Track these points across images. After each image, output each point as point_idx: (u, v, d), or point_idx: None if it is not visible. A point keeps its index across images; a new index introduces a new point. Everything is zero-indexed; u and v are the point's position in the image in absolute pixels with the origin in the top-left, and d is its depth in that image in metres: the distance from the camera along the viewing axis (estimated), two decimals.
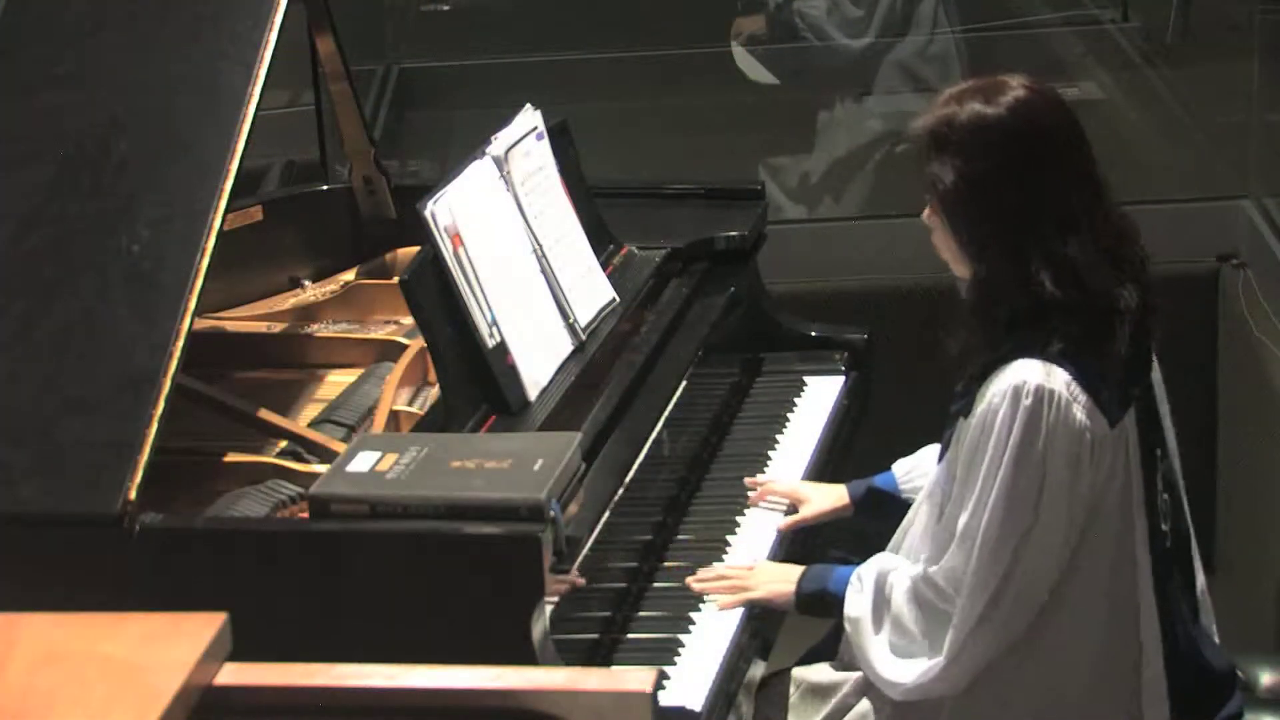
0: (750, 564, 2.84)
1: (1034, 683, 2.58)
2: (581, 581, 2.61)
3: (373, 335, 3.22)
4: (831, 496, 2.98)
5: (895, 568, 2.63)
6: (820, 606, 2.71)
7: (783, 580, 2.75)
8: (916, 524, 2.70)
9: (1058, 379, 2.46)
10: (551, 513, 2.30)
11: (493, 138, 2.97)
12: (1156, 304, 2.56)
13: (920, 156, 2.54)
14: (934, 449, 2.92)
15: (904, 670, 2.57)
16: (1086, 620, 2.57)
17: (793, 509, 3.00)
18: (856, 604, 2.63)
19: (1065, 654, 2.57)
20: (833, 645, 2.82)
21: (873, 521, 2.93)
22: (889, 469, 3.01)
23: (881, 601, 2.61)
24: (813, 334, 3.56)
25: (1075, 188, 2.50)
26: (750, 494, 3.04)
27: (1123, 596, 2.59)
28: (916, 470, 2.94)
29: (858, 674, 2.71)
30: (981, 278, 2.53)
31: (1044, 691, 2.59)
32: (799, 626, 2.95)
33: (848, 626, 2.65)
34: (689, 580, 2.80)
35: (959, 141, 2.49)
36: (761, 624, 2.75)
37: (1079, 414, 2.46)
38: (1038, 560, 2.49)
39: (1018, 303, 2.50)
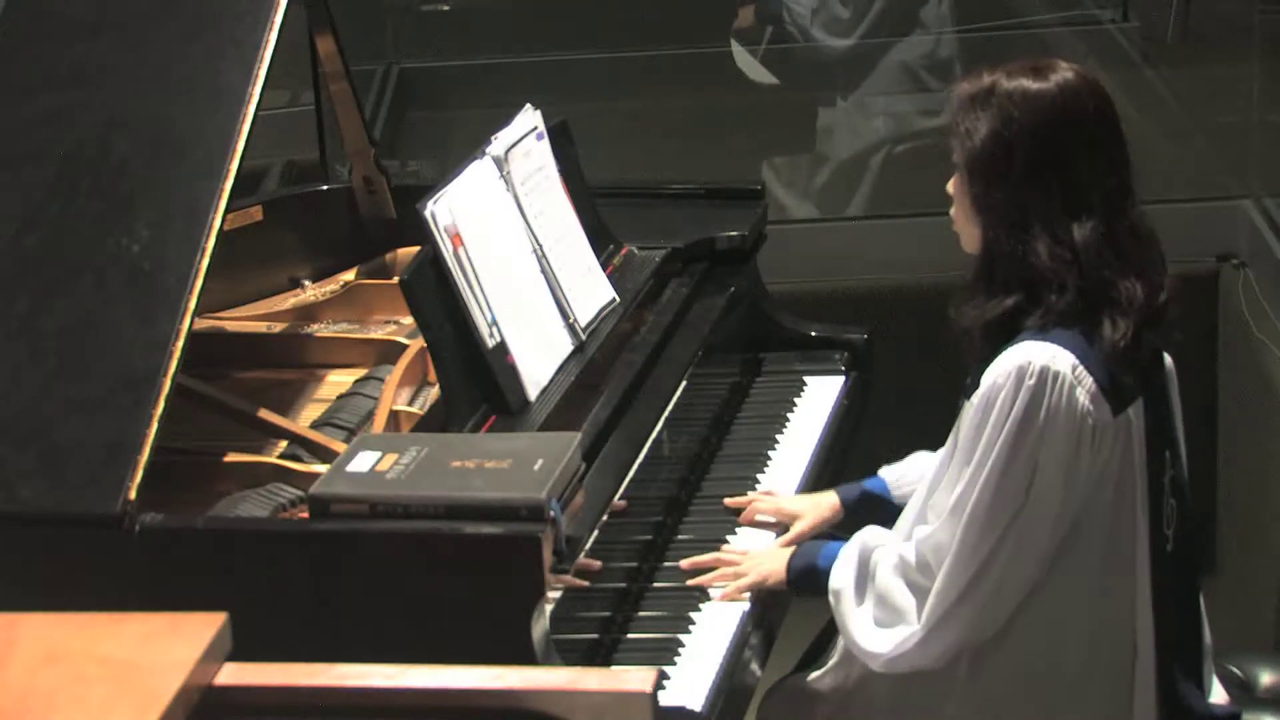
0: (744, 550, 2.84)
1: (1024, 665, 2.59)
2: (597, 564, 2.63)
3: (373, 335, 3.22)
4: (823, 507, 2.94)
5: (881, 544, 2.64)
6: (810, 582, 2.71)
7: (775, 560, 2.76)
8: (910, 506, 2.71)
9: (1063, 361, 2.48)
10: (551, 513, 2.31)
11: (493, 138, 2.97)
12: (1169, 308, 2.57)
13: (955, 117, 2.56)
14: (922, 454, 2.93)
15: (883, 640, 2.58)
16: (1075, 612, 2.57)
17: (783, 527, 2.97)
18: (840, 576, 2.65)
19: (1053, 641, 2.58)
20: (822, 647, 2.84)
21: (866, 525, 2.92)
22: (878, 473, 2.99)
23: (865, 575, 2.62)
24: (813, 334, 3.56)
25: (1098, 178, 2.53)
26: (739, 515, 2.98)
27: (1117, 594, 2.59)
28: (906, 477, 2.92)
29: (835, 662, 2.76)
30: (986, 241, 2.56)
31: (1033, 676, 2.60)
32: (798, 628, 2.96)
33: (831, 599, 2.66)
34: (683, 564, 2.80)
35: (999, 104, 2.53)
36: (762, 623, 2.75)
37: (1082, 398, 2.48)
38: (1023, 543, 2.50)
39: (1014, 272, 2.52)
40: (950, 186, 2.61)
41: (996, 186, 2.53)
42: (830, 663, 2.80)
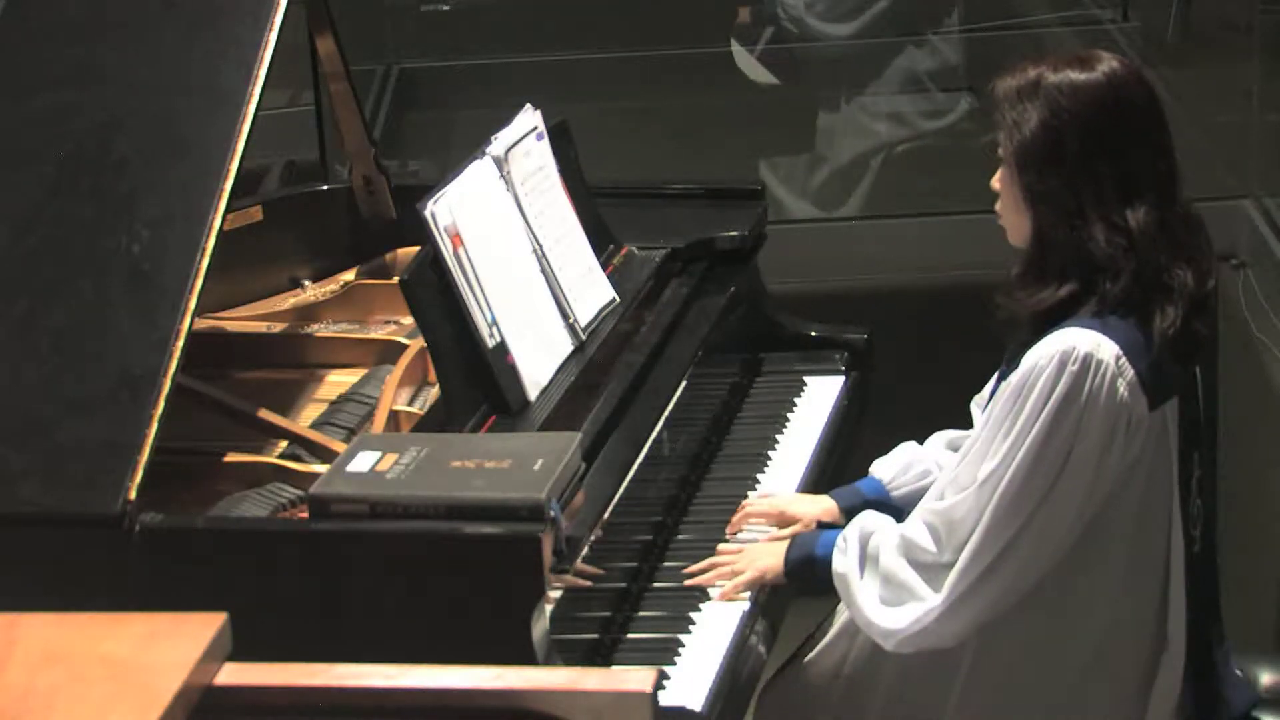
0: (739, 547, 2.84)
1: (1030, 657, 2.60)
2: (600, 571, 2.63)
3: (373, 335, 3.22)
4: (819, 509, 2.92)
5: (879, 528, 2.64)
6: (808, 572, 2.71)
7: (771, 555, 2.76)
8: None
9: (1107, 350, 2.48)
10: (551, 513, 2.30)
11: (493, 138, 2.97)
12: (1212, 300, 2.58)
13: (999, 110, 2.57)
14: (909, 445, 2.93)
15: (898, 616, 2.57)
16: (1091, 607, 2.58)
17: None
18: (842, 561, 2.64)
19: (1065, 635, 2.59)
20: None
21: None
22: (870, 473, 2.98)
23: (867, 558, 2.62)
24: (813, 334, 3.56)
25: (1149, 164, 2.54)
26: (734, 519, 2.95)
27: (1140, 592, 2.59)
28: (903, 476, 2.91)
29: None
30: (1038, 231, 2.56)
31: (1039, 669, 2.61)
32: (798, 627, 2.96)
33: (836, 584, 2.65)
34: (685, 571, 2.80)
35: (1047, 95, 2.53)
36: (762, 622, 2.75)
37: (1122, 388, 2.48)
38: (1047, 526, 2.50)
39: (1069, 258, 2.52)
40: (995, 181, 2.61)
41: (1049, 175, 2.54)
42: (824, 641, 2.80)
